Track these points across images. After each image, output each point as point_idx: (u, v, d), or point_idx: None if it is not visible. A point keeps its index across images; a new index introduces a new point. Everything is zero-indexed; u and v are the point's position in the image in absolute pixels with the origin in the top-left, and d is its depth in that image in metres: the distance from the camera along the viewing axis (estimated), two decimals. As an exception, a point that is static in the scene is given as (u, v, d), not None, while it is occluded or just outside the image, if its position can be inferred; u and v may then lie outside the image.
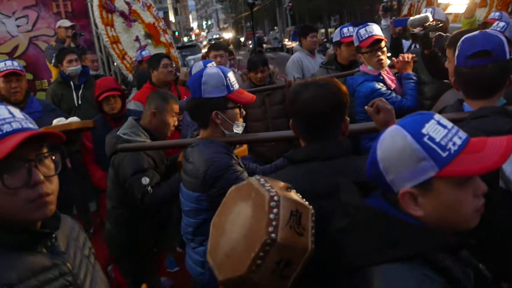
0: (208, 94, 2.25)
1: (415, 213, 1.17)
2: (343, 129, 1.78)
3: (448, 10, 4.68)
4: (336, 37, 4.29)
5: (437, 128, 1.16)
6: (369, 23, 3.65)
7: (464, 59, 1.98)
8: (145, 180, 2.90)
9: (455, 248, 1.19)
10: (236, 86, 2.32)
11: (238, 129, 2.35)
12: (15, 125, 1.18)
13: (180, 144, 2.68)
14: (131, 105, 4.53)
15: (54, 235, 1.32)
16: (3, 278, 1.14)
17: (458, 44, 2.05)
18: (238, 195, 1.37)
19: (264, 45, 38.45)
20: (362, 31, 3.53)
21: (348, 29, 4.22)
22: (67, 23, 6.31)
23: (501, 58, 1.93)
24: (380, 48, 3.45)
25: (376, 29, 3.51)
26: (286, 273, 1.23)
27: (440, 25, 3.70)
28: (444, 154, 1.13)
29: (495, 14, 4.74)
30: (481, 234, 1.27)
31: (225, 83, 2.26)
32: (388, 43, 4.69)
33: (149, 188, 2.86)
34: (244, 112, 2.40)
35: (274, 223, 1.21)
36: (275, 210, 1.23)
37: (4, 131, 1.16)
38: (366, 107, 2.08)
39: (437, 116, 1.20)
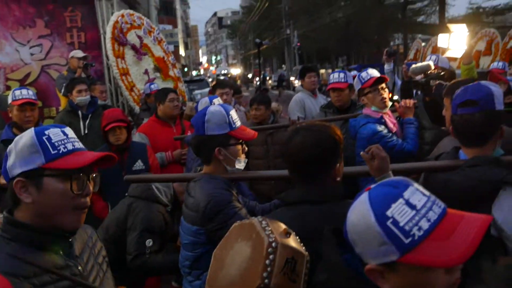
0: (211, 131, 2.32)
1: (382, 286, 1.15)
2: (334, 174, 1.82)
3: (446, 55, 4.81)
4: (329, 81, 4.45)
5: (404, 209, 1.09)
6: (369, 68, 3.79)
7: (455, 108, 2.09)
8: (149, 243, 2.96)
9: None
10: (238, 123, 2.39)
11: (240, 165, 2.40)
12: (76, 145, 1.48)
13: (183, 178, 2.74)
14: (136, 137, 4.60)
15: (70, 240, 1.48)
16: (21, 270, 1.30)
17: (456, 92, 2.14)
18: (240, 232, 1.41)
19: (270, 82, 38.88)
20: (364, 74, 3.66)
21: (333, 76, 4.42)
22: (80, 53, 6.47)
23: (488, 108, 2.01)
24: (383, 88, 3.56)
25: (376, 73, 3.64)
26: None
27: (442, 73, 3.80)
28: (407, 241, 1.06)
29: (498, 64, 4.86)
30: None
31: (227, 121, 2.33)
32: (396, 86, 4.81)
33: (148, 252, 2.91)
34: (246, 149, 2.46)
35: (269, 269, 1.25)
36: (271, 257, 1.27)
37: (66, 150, 1.43)
38: (361, 152, 2.12)
39: (407, 194, 1.12)
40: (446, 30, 5.00)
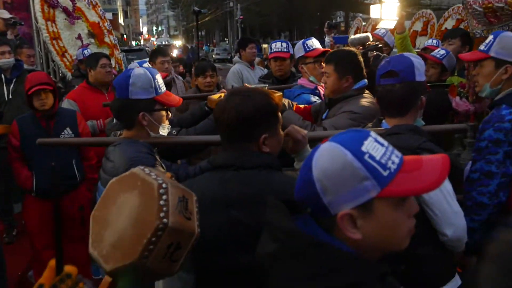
0: (135, 95, 2.23)
1: (353, 236, 1.10)
2: (270, 141, 1.74)
3: (379, 25, 4.90)
4: (269, 51, 4.40)
5: (376, 146, 1.11)
6: (311, 38, 3.76)
7: (378, 78, 2.13)
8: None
9: (386, 275, 1.14)
10: (163, 88, 2.32)
11: (164, 131, 2.34)
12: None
13: (102, 142, 2.64)
14: (65, 103, 4.38)
15: None
16: None
17: (379, 64, 2.18)
18: (120, 186, 1.37)
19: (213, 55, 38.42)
20: (309, 42, 3.64)
21: (275, 45, 4.34)
22: (5, 14, 6.06)
23: (409, 79, 2.06)
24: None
25: (319, 45, 3.62)
26: (175, 256, 1.28)
27: (380, 45, 3.86)
28: (385, 173, 1.08)
29: (433, 41, 5.00)
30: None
31: (153, 85, 2.26)
32: None
33: (173, 131, 2.75)
34: (170, 115, 2.40)
35: (164, 208, 1.25)
36: (164, 197, 1.27)
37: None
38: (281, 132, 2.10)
39: (373, 133, 1.15)
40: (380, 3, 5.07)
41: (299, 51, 3.68)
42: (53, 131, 3.75)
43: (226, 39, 54.49)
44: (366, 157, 1.08)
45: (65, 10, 7.22)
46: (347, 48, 3.38)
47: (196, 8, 6.97)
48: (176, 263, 1.30)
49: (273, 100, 1.77)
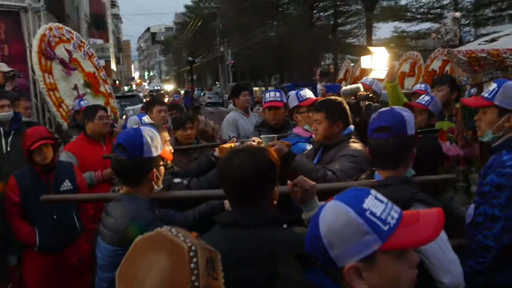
0: (149, 154, 2.30)
1: (360, 287, 1.18)
2: (272, 197, 1.84)
3: (370, 76, 5.06)
4: (263, 100, 4.49)
5: (376, 202, 1.21)
6: (304, 88, 3.90)
7: (371, 132, 2.21)
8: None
9: None
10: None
11: (161, 185, 2.43)
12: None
13: (104, 198, 2.66)
14: (63, 155, 4.43)
15: None
16: None
17: (372, 117, 2.27)
18: (147, 245, 1.40)
19: (205, 99, 38.75)
20: (302, 92, 3.77)
21: (269, 94, 4.44)
22: (5, 67, 6.17)
23: (401, 134, 2.14)
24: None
25: (312, 94, 3.77)
26: None
27: (370, 95, 4.00)
28: (385, 228, 1.17)
29: (421, 86, 5.16)
30: None
31: (160, 142, 2.38)
32: None
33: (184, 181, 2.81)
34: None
35: (195, 271, 1.28)
36: (194, 260, 1.29)
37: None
38: (288, 182, 2.15)
39: (373, 192, 1.25)
40: (369, 52, 5.26)
41: (293, 101, 3.80)
42: (53, 184, 3.78)
43: (217, 82, 55.21)
44: (367, 213, 1.18)
45: (61, 62, 7.36)
46: (333, 97, 3.52)
47: (190, 58, 7.10)
48: None
49: (273, 155, 1.86)
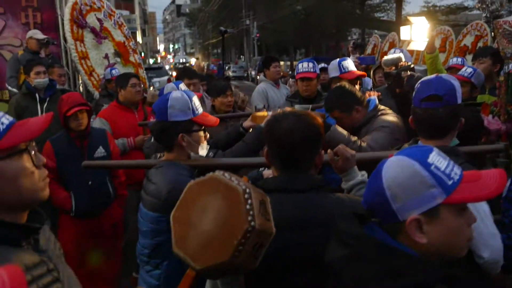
0: (174, 117, 2.31)
1: (420, 240, 1.20)
2: (317, 162, 1.83)
3: (410, 47, 4.94)
4: (296, 71, 4.44)
5: (440, 159, 1.24)
6: (346, 58, 3.83)
7: (419, 101, 2.14)
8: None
9: (450, 279, 1.22)
10: (200, 109, 2.40)
11: (203, 151, 2.41)
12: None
13: (145, 165, 2.67)
14: (96, 122, 4.47)
15: (39, 232, 1.36)
16: None
17: (416, 85, 2.21)
18: (201, 189, 1.46)
19: (230, 73, 38.74)
20: (345, 63, 3.71)
21: (302, 65, 4.38)
22: (39, 34, 6.23)
23: (452, 103, 2.09)
24: (357, 84, 3.63)
25: (354, 67, 3.69)
26: (258, 253, 1.39)
27: (412, 66, 3.91)
28: (450, 182, 1.20)
29: (457, 60, 5.01)
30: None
31: (190, 107, 2.33)
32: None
33: (210, 153, 2.79)
34: (208, 135, 2.46)
35: (251, 212, 1.35)
36: (249, 201, 1.36)
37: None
38: (329, 150, 2.14)
39: (436, 149, 1.28)
40: (404, 24, 5.12)
41: (333, 71, 3.73)
42: (87, 150, 3.82)
43: (241, 56, 54.90)
44: (432, 167, 1.21)
45: (93, 30, 7.40)
46: (335, 86, 3.45)
47: (222, 28, 7.07)
48: (258, 259, 1.41)
49: (318, 120, 1.83)
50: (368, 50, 13.23)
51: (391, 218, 1.23)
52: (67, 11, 7.05)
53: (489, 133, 3.26)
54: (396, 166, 1.23)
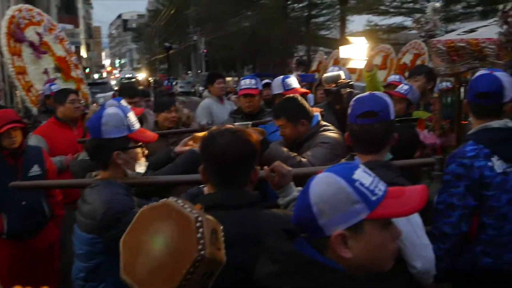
0: (109, 134, 2.23)
1: (345, 255, 1.23)
2: (253, 178, 1.84)
3: (349, 65, 5.10)
4: (238, 87, 4.47)
5: (365, 175, 1.27)
6: (290, 76, 3.88)
7: (355, 118, 2.19)
8: None
9: None
10: (137, 125, 2.34)
11: (141, 168, 2.34)
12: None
13: (79, 184, 2.56)
14: (32, 139, 4.29)
15: None
16: None
17: (351, 103, 2.27)
18: (153, 215, 1.44)
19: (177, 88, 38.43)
20: (288, 80, 3.74)
21: (245, 81, 4.40)
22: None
23: (386, 119, 2.16)
24: None
25: (298, 84, 3.74)
26: (207, 283, 1.39)
27: (351, 83, 4.01)
28: (373, 198, 1.24)
29: (395, 77, 5.20)
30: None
31: (126, 123, 2.27)
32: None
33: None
34: (147, 152, 2.40)
35: (201, 241, 1.34)
36: (200, 230, 1.35)
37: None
38: (265, 167, 2.14)
39: (362, 165, 1.32)
40: (346, 43, 5.29)
41: (277, 88, 3.76)
42: (21, 169, 3.65)
43: (189, 72, 54.71)
44: (357, 183, 1.24)
45: (31, 45, 7.14)
46: (288, 96, 3.50)
47: (167, 44, 7.02)
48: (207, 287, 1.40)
49: (254, 137, 1.84)
50: (313, 66, 13.53)
51: (318, 234, 1.26)
52: (3, 24, 6.77)
53: (425, 147, 3.38)
54: (322, 183, 1.26)
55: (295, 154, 3.07)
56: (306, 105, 3.27)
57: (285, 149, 3.08)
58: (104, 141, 2.23)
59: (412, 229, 2.02)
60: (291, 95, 3.44)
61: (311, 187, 1.28)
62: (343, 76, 3.92)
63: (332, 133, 3.19)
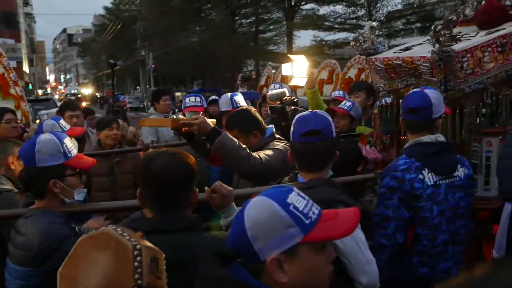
0: (44, 162, 2.13)
1: (280, 279, 1.21)
2: (192, 200, 1.81)
3: (291, 83, 5.17)
4: (183, 105, 4.43)
5: (299, 199, 1.27)
6: (238, 93, 3.89)
7: (298, 136, 2.21)
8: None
9: None
10: (74, 151, 2.26)
11: (80, 196, 2.25)
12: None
13: (12, 214, 2.39)
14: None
15: None
16: None
17: (293, 122, 2.29)
18: (91, 244, 1.38)
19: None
20: (237, 98, 3.72)
21: (190, 99, 4.39)
22: None
23: (329, 137, 2.21)
24: None
25: (244, 101, 3.74)
26: None
27: (296, 100, 4.07)
28: (307, 221, 1.24)
29: (339, 93, 5.30)
30: None
31: (62, 150, 2.18)
32: None
33: None
34: (85, 178, 2.31)
35: (139, 270, 1.29)
36: (138, 258, 1.30)
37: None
38: (206, 188, 2.13)
39: (296, 189, 1.32)
40: (290, 59, 5.38)
41: (225, 105, 3.73)
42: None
43: (138, 87, 53.96)
44: (291, 207, 1.24)
45: (-36, 61, 6.83)
46: (240, 108, 3.50)
47: (111, 61, 6.88)
48: None
49: (191, 158, 1.82)
50: (262, 81, 13.63)
51: (254, 258, 1.24)
52: None
53: (367, 162, 3.45)
54: (257, 207, 1.25)
55: (245, 146, 3.01)
56: (258, 118, 3.28)
57: (235, 139, 3.01)
58: (39, 169, 2.13)
59: (356, 245, 2.06)
60: (245, 107, 3.43)
61: (246, 211, 1.26)
62: (287, 94, 3.96)
63: (285, 144, 3.19)
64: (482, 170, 2.99)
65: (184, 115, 4.40)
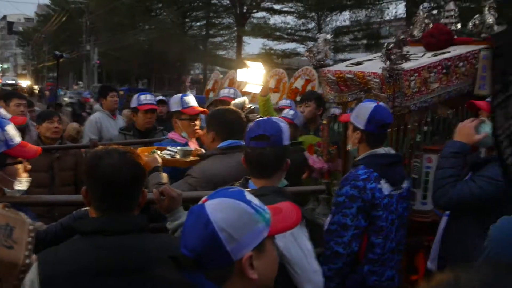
0: None
1: (253, 276, 1.22)
2: (141, 201, 1.76)
3: (245, 89, 5.19)
4: (133, 103, 4.36)
5: (252, 196, 1.32)
6: (188, 94, 3.85)
7: (248, 140, 2.22)
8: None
9: None
10: (17, 139, 2.16)
11: (21, 185, 2.16)
12: None
13: None
14: None
15: None
16: None
17: (249, 125, 2.30)
18: None
19: (66, 99, 36.51)
20: (187, 98, 3.65)
21: (145, 97, 4.34)
22: None
23: (278, 144, 2.17)
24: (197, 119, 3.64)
25: (195, 101, 3.68)
26: None
27: (253, 107, 4.11)
28: (268, 216, 1.29)
29: (286, 102, 5.38)
30: None
31: (2, 138, 2.09)
32: None
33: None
34: (29, 167, 2.22)
35: None
36: None
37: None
38: (154, 190, 2.10)
39: (244, 189, 1.37)
40: (243, 65, 5.37)
41: (175, 105, 3.68)
42: None
43: (80, 82, 52.26)
44: (253, 204, 1.28)
45: None
46: (228, 108, 3.35)
47: (57, 53, 6.64)
48: None
49: (141, 157, 1.79)
50: (209, 85, 13.59)
51: (223, 261, 1.22)
52: None
53: (313, 171, 3.52)
54: (223, 208, 1.24)
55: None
56: (227, 124, 3.15)
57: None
58: None
59: (304, 255, 2.07)
60: (233, 109, 3.25)
61: (210, 215, 1.22)
62: (247, 102, 4.00)
63: (213, 164, 3.13)
64: (421, 185, 3.14)
65: (137, 112, 4.32)
